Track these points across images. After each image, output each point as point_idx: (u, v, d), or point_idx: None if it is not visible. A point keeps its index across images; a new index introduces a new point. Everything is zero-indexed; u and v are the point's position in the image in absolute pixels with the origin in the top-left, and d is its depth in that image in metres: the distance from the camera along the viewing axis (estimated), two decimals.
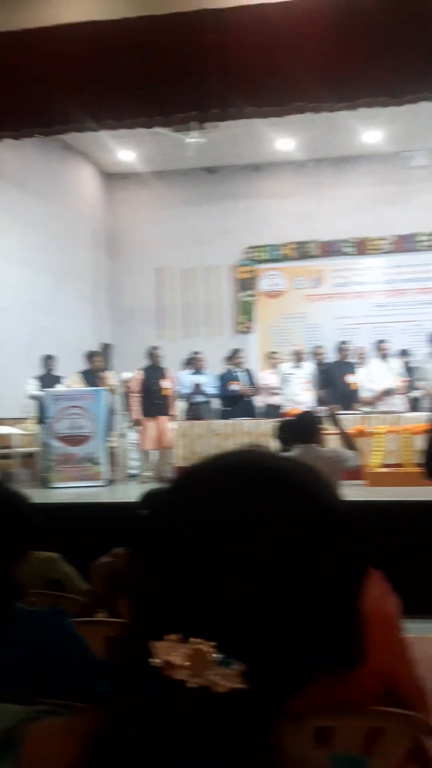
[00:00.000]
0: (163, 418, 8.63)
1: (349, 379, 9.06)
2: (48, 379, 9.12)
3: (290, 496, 0.66)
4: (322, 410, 7.55)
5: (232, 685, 0.58)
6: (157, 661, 0.59)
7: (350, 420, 6.27)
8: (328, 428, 4.87)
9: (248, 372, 9.38)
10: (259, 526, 0.63)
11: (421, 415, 7.91)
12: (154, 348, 8.94)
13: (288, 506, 0.65)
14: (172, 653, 0.59)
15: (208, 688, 0.58)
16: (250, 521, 0.63)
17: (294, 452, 4.47)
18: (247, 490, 0.65)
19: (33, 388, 8.99)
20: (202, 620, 0.60)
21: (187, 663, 0.58)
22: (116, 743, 0.60)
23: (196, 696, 0.58)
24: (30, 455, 9.06)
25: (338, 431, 4.87)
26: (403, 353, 9.75)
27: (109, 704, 0.63)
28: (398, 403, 8.89)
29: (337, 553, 0.65)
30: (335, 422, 4.97)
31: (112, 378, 9.17)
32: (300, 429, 4.52)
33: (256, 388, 9.25)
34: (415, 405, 9.15)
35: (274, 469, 0.69)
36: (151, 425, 8.58)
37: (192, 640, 0.59)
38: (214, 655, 0.58)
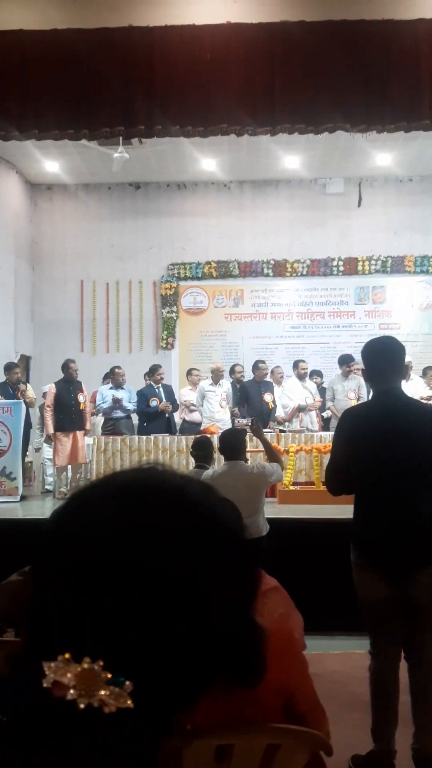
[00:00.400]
0: (78, 433, 8.52)
1: (266, 397, 9.19)
2: None
3: (183, 513, 0.66)
4: (245, 423, 7.64)
5: (121, 705, 0.58)
6: (48, 681, 0.58)
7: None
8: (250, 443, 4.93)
9: (167, 388, 9.39)
10: (151, 543, 0.63)
11: (331, 434, 8.13)
12: (70, 361, 8.83)
13: (180, 523, 0.65)
14: (62, 673, 0.58)
15: (98, 709, 0.58)
16: (142, 538, 0.63)
17: (221, 469, 4.51)
18: (141, 507, 0.65)
19: None
20: (92, 639, 0.59)
21: (76, 683, 0.57)
22: (5, 765, 0.60)
23: (85, 717, 0.57)
24: None
25: (262, 443, 4.94)
26: (315, 374, 10.01)
27: None
28: (311, 422, 9.09)
29: (229, 570, 0.66)
30: (259, 434, 5.02)
31: (29, 391, 9.00)
32: (226, 446, 4.56)
33: (174, 405, 9.26)
34: (325, 425, 9.39)
35: (168, 486, 0.69)
36: (65, 440, 8.46)
37: (84, 659, 0.58)
38: (103, 675, 0.58)
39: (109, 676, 0.58)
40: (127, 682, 0.59)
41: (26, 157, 11.36)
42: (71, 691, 0.58)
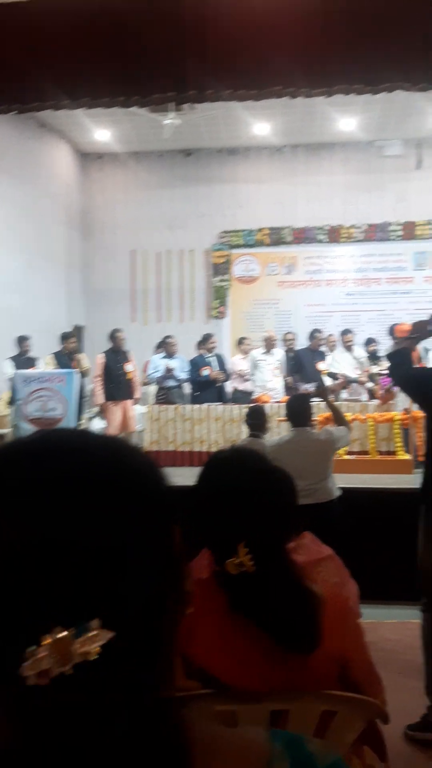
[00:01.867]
0: (127, 402, 8.60)
1: (320, 366, 9.10)
2: (23, 361, 9.02)
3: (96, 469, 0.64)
4: (311, 388, 7.60)
5: (102, 640, 0.57)
6: (30, 677, 0.56)
7: (319, 407, 6.31)
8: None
9: (219, 357, 9.38)
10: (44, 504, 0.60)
11: (379, 404, 8.03)
12: (117, 331, 8.88)
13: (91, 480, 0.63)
14: (37, 663, 0.56)
15: (84, 666, 0.56)
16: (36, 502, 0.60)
17: (288, 436, 4.51)
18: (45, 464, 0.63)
19: (8, 368, 8.87)
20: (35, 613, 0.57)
21: (53, 657, 0.56)
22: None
23: (68, 684, 0.56)
24: (1, 437, 8.98)
25: (329, 406, 4.92)
26: (369, 342, 9.81)
27: None
28: (362, 391, 8.95)
29: (143, 528, 0.63)
30: (325, 397, 5.00)
31: (84, 360, 9.11)
32: (293, 412, 4.55)
33: (227, 374, 9.26)
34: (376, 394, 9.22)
35: (75, 444, 0.67)
36: (115, 410, 8.54)
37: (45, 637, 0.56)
38: (69, 633, 0.56)
39: (73, 630, 0.56)
40: (91, 621, 0.57)
41: (76, 127, 11.37)
42: (53, 668, 0.56)
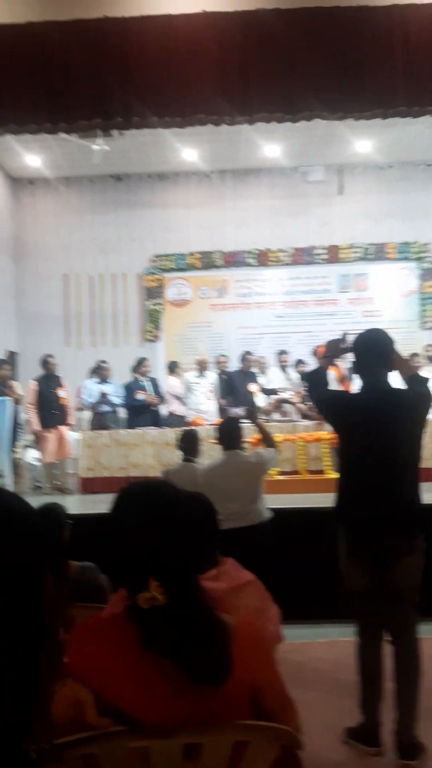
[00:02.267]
0: (62, 428, 8.50)
1: (252, 387, 9.19)
2: None
3: None
4: (239, 411, 7.64)
5: None
6: None
7: (250, 429, 6.37)
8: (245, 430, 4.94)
9: (154, 381, 9.38)
10: None
11: (314, 424, 8.15)
12: (48, 356, 8.81)
13: None
14: None
15: None
16: None
17: (220, 459, 4.53)
18: None
19: None
20: None
21: None
22: None
23: None
24: None
25: (258, 428, 4.96)
26: (299, 363, 9.99)
27: None
28: (293, 412, 9.08)
29: (7, 577, 0.64)
30: (253, 420, 5.04)
31: (17, 387, 8.96)
32: (225, 435, 4.58)
33: (161, 398, 9.25)
34: (308, 414, 9.38)
35: None
36: (50, 436, 8.44)
37: None
38: None
39: None
40: None
41: (7, 152, 11.27)
42: None
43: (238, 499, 4.32)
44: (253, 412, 5.12)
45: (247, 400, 8.95)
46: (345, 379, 8.18)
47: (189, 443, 5.42)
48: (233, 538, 3.68)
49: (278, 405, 9.08)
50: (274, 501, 5.85)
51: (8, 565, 0.63)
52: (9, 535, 0.66)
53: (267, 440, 4.78)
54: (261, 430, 4.90)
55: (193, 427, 7.37)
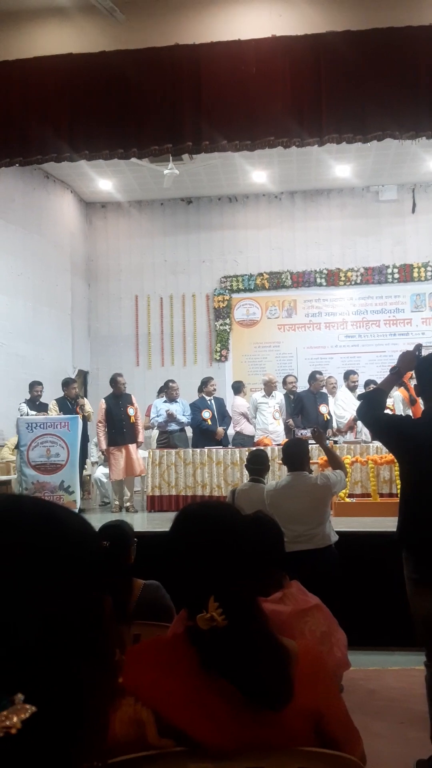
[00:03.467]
0: (131, 446, 8.61)
1: (322, 409, 9.10)
2: (36, 406, 9.10)
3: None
4: (306, 433, 7.57)
5: (23, 715, 0.57)
6: None
7: (318, 450, 6.31)
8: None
9: (219, 401, 9.41)
10: None
11: None
12: (117, 375, 8.95)
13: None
14: None
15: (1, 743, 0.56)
16: None
17: (285, 480, 4.49)
18: None
19: (25, 413, 8.92)
20: None
21: None
22: None
23: None
24: (6, 483, 8.97)
25: (325, 451, 4.89)
26: (368, 384, 9.82)
27: None
28: (366, 433, 8.93)
29: (70, 602, 0.64)
30: (321, 442, 4.97)
31: (87, 405, 9.15)
32: (290, 456, 4.54)
33: (226, 419, 9.27)
34: None
35: None
36: (119, 454, 8.55)
37: None
38: None
39: None
40: (17, 695, 0.57)
41: (81, 177, 11.62)
42: None
43: (304, 521, 4.27)
44: (320, 434, 5.05)
45: (317, 420, 8.86)
46: (413, 401, 8.02)
47: (257, 463, 5.41)
48: (299, 561, 3.65)
49: (351, 425, 8.95)
50: (343, 524, 5.77)
51: (69, 593, 0.64)
52: (71, 561, 0.66)
53: (334, 462, 4.70)
54: (328, 452, 4.83)
55: (261, 447, 7.35)
